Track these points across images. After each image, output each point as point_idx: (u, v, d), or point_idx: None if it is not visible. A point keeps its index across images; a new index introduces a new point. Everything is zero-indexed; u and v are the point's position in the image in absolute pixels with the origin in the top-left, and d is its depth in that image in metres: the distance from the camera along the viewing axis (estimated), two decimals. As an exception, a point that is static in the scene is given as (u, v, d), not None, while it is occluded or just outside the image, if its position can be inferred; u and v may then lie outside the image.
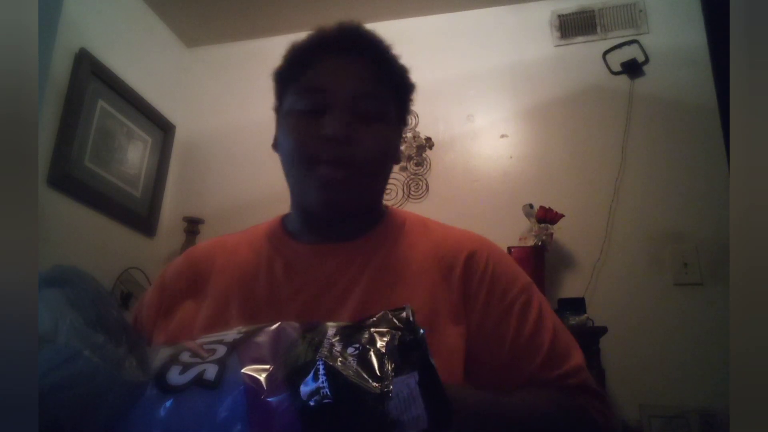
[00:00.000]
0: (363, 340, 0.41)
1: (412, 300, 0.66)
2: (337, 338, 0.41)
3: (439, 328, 0.67)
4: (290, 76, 0.80)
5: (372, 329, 0.43)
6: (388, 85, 0.77)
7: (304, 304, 0.69)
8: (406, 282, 0.71)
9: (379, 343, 0.41)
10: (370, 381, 0.37)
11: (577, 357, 0.70)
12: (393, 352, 0.40)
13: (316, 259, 0.75)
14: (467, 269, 0.72)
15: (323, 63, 0.76)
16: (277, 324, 0.43)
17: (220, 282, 0.76)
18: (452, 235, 0.79)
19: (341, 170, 0.70)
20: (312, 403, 0.34)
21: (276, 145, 0.84)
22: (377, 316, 0.46)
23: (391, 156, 0.79)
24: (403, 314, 0.45)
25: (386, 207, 0.84)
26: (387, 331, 0.43)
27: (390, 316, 0.45)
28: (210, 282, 0.77)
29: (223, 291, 0.75)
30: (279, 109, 0.84)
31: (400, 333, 0.43)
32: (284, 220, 0.85)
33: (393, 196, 2.25)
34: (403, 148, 2.31)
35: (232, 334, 0.41)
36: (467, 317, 0.70)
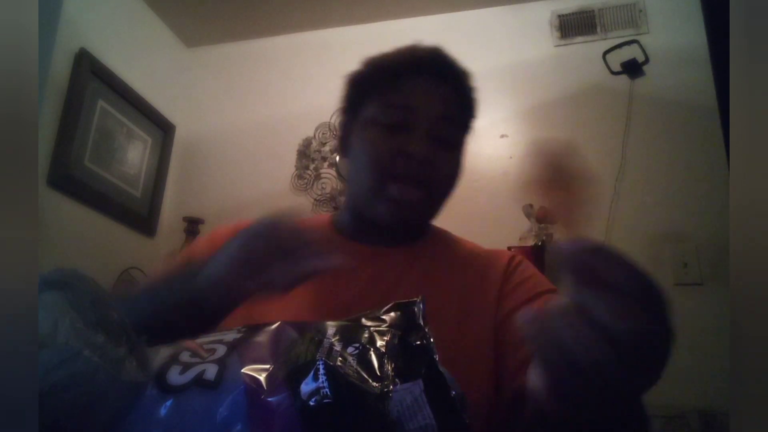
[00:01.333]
0: (363, 340, 0.41)
1: (450, 297, 0.73)
2: (337, 337, 0.41)
3: (469, 322, 0.71)
4: (374, 87, 0.81)
5: (372, 329, 0.43)
6: (467, 114, 0.82)
7: (353, 299, 0.71)
8: (449, 282, 0.76)
9: (379, 343, 0.41)
10: (370, 381, 0.37)
11: None
12: (393, 351, 0.40)
13: (371, 259, 0.78)
14: (507, 269, 0.77)
15: (414, 82, 0.78)
16: (277, 323, 0.43)
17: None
18: (485, 249, 0.85)
19: (417, 190, 0.74)
20: (312, 403, 0.34)
21: (343, 150, 0.86)
22: (387, 307, 0.46)
23: (459, 181, 0.82)
24: (414, 308, 0.45)
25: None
26: (387, 330, 0.43)
27: (398, 312, 0.45)
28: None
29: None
30: (350, 114, 0.85)
31: (400, 332, 0.43)
32: (333, 220, 0.88)
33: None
34: (403, 148, 2.31)
35: (231, 334, 0.41)
36: (499, 308, 0.73)
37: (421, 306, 0.45)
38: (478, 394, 0.66)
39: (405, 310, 0.45)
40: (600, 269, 0.34)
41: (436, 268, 0.78)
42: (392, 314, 0.45)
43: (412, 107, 0.76)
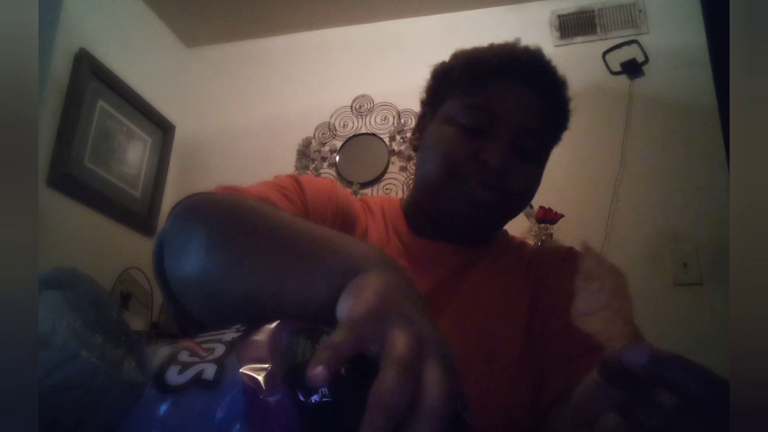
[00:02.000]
0: None
1: (517, 301, 0.73)
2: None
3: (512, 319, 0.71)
4: (461, 84, 0.75)
5: None
6: (554, 127, 0.77)
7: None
8: (515, 285, 0.75)
9: None
10: (370, 377, 0.37)
11: None
12: None
13: (437, 256, 0.76)
14: (560, 262, 0.77)
15: (502, 85, 0.73)
16: (276, 322, 0.43)
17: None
18: (551, 247, 0.84)
19: (489, 194, 0.70)
20: (311, 402, 0.34)
21: (416, 141, 0.81)
22: None
23: (533, 196, 0.79)
24: None
25: None
26: None
27: None
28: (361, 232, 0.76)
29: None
30: (430, 107, 0.81)
31: None
32: (402, 204, 0.84)
33: (393, 195, 2.25)
34: (403, 148, 2.31)
35: (230, 333, 0.41)
36: (541, 299, 0.72)
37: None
38: (523, 392, 0.66)
39: None
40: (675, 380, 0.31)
41: (503, 271, 0.77)
42: None
43: (497, 113, 0.71)
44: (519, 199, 0.75)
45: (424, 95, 0.83)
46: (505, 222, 0.81)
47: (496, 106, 0.71)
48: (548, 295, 0.73)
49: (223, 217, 0.48)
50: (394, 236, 0.79)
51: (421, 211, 0.79)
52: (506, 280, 0.76)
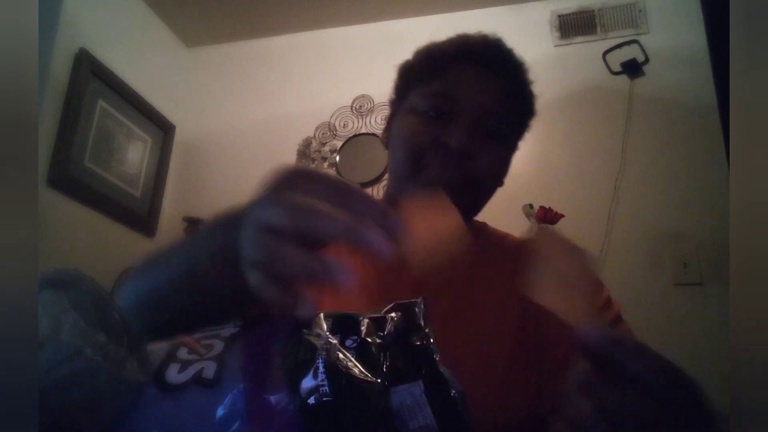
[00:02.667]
0: (361, 332, 0.41)
1: (505, 294, 0.70)
2: (334, 330, 0.41)
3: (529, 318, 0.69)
4: (421, 76, 0.77)
5: (368, 319, 0.43)
6: (517, 108, 0.77)
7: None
8: (500, 279, 0.73)
9: (378, 334, 0.41)
10: (370, 375, 0.37)
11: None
12: (391, 342, 0.40)
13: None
14: None
15: (459, 70, 0.74)
16: (274, 317, 0.43)
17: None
18: (526, 238, 0.83)
19: (456, 176, 0.69)
20: (311, 401, 0.34)
21: (386, 140, 0.82)
22: (387, 307, 0.45)
23: (501, 179, 0.79)
24: (415, 309, 0.44)
25: None
26: (383, 318, 0.43)
27: (398, 312, 0.44)
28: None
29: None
30: (396, 105, 0.81)
31: (397, 320, 0.42)
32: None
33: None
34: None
35: (228, 329, 0.41)
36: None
37: (422, 306, 0.45)
38: (518, 391, 0.66)
39: (406, 310, 0.45)
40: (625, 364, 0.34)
41: (485, 265, 0.75)
42: (393, 314, 0.44)
43: (455, 97, 0.72)
44: (485, 180, 0.74)
45: (392, 95, 0.84)
46: (476, 207, 0.79)
47: (454, 90, 0.72)
48: None
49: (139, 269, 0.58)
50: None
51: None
52: (492, 275, 0.75)
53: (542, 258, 0.48)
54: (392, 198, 0.79)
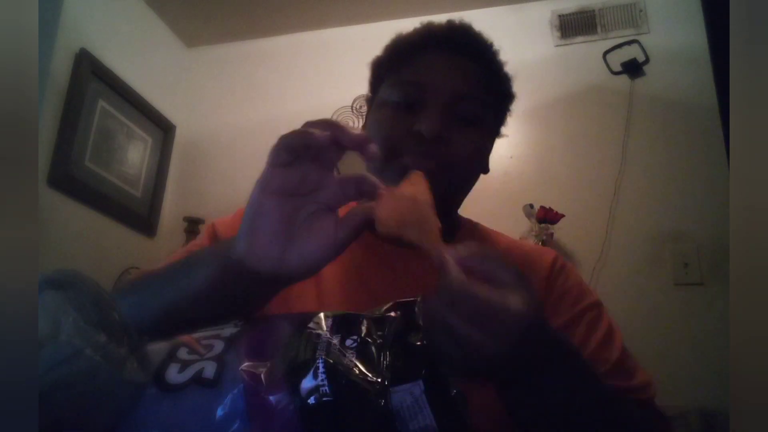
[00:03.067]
0: (361, 332, 0.41)
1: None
2: (334, 330, 0.41)
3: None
4: (389, 68, 0.76)
5: (368, 318, 0.43)
6: (491, 91, 0.75)
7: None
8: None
9: (378, 334, 0.41)
10: (370, 375, 0.37)
11: (644, 376, 0.66)
12: (391, 341, 0.40)
13: (397, 261, 0.72)
14: (550, 275, 0.72)
15: (426, 58, 0.73)
16: (274, 317, 0.43)
17: None
18: (527, 244, 0.81)
19: (432, 164, 0.67)
20: (311, 402, 0.34)
21: None
22: (386, 306, 0.45)
23: (481, 165, 0.76)
24: (415, 308, 0.44)
25: (458, 215, 0.83)
26: (383, 318, 0.43)
27: (397, 311, 0.44)
28: None
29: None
30: (371, 100, 0.80)
31: (397, 320, 0.42)
32: None
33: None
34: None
35: (228, 329, 0.41)
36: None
37: (422, 306, 0.45)
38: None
39: (405, 309, 0.45)
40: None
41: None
42: (392, 314, 0.44)
43: (423, 84, 0.70)
44: (463, 165, 0.71)
45: (367, 92, 0.83)
46: (458, 194, 0.76)
47: (422, 77, 0.71)
48: (545, 298, 0.70)
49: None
50: (354, 245, 0.75)
51: None
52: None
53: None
54: None
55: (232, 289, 0.45)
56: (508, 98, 0.80)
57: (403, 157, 0.68)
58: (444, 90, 0.70)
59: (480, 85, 0.73)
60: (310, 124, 0.44)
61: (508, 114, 0.81)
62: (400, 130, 0.69)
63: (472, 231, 0.81)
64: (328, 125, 0.44)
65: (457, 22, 0.77)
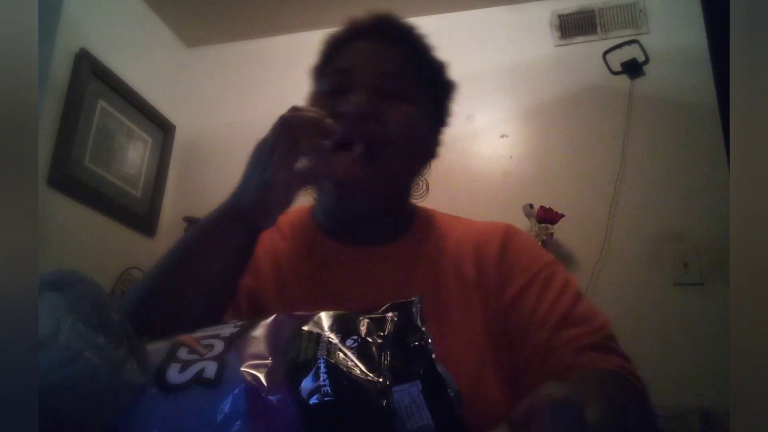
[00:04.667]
0: (362, 332, 0.41)
1: (452, 300, 0.69)
2: (335, 330, 0.41)
3: (473, 316, 0.68)
4: (322, 66, 0.79)
5: (368, 318, 0.43)
6: (419, 71, 0.75)
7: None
8: (447, 278, 0.71)
9: (378, 334, 0.41)
10: (372, 375, 0.37)
11: (599, 320, 0.66)
12: (392, 341, 0.40)
13: (356, 261, 0.73)
14: (502, 245, 0.73)
15: (353, 47, 0.75)
16: (273, 316, 0.43)
17: (266, 263, 0.73)
18: (481, 223, 0.81)
19: (362, 142, 0.66)
20: (313, 402, 0.34)
21: None
22: (384, 307, 0.45)
23: (420, 142, 0.74)
24: (412, 309, 0.44)
25: (413, 204, 0.82)
26: (383, 318, 0.43)
27: (395, 312, 0.44)
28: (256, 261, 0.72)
29: (273, 274, 0.72)
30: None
31: (396, 320, 0.43)
32: (313, 212, 0.81)
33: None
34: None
35: (228, 329, 0.41)
36: (499, 292, 0.69)
37: (419, 306, 0.45)
38: (490, 389, 0.64)
39: (402, 310, 0.45)
40: None
41: (428, 263, 0.73)
42: (389, 314, 0.45)
43: (349, 70, 0.72)
44: (397, 140, 0.69)
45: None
46: (395, 173, 0.73)
47: (350, 63, 0.73)
48: (498, 273, 0.71)
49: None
50: (303, 249, 0.75)
51: (323, 207, 0.77)
52: (431, 266, 0.72)
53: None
54: (319, 201, 0.79)
55: (225, 236, 0.61)
56: (444, 85, 0.80)
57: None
58: (369, 71, 0.71)
59: (407, 66, 0.74)
60: (298, 109, 0.61)
61: (448, 102, 0.81)
62: (331, 115, 0.68)
63: (429, 222, 0.79)
64: (303, 110, 0.61)
65: (380, 13, 0.78)
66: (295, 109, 0.61)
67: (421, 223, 0.79)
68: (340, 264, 0.74)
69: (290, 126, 0.59)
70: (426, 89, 0.75)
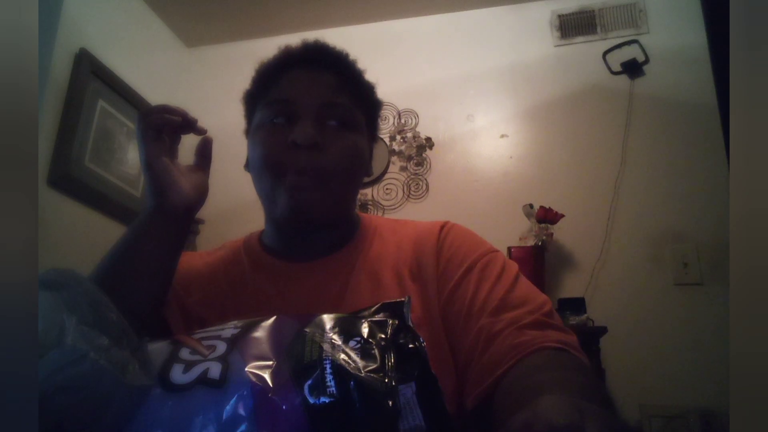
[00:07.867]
0: (363, 333, 0.41)
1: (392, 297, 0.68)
2: (336, 331, 0.41)
3: (414, 314, 0.68)
4: (258, 94, 0.83)
5: (369, 320, 0.43)
6: (355, 96, 0.79)
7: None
8: (386, 283, 0.73)
9: (380, 335, 0.41)
10: (377, 376, 0.37)
11: (538, 300, 0.66)
12: (391, 348, 0.40)
13: (297, 274, 0.76)
14: (439, 241, 0.75)
15: (289, 76, 0.78)
16: (273, 318, 0.43)
17: (206, 285, 0.77)
18: (422, 223, 0.82)
19: (310, 178, 0.71)
20: (319, 403, 0.34)
21: (247, 165, 0.85)
22: (375, 307, 0.46)
23: (361, 165, 0.79)
24: (403, 309, 0.45)
25: (359, 215, 0.85)
26: (384, 320, 0.43)
27: (386, 312, 0.45)
28: (192, 284, 0.78)
29: (212, 294, 0.76)
30: (248, 130, 0.86)
31: (397, 322, 0.43)
32: (262, 236, 0.85)
33: (393, 196, 2.25)
34: (403, 148, 2.32)
35: (229, 329, 0.41)
36: (439, 287, 0.71)
37: (409, 307, 0.45)
38: (449, 388, 0.65)
39: (393, 311, 0.45)
40: None
41: (367, 268, 0.75)
42: (381, 315, 0.45)
43: (291, 99, 0.75)
44: (340, 171, 0.73)
45: (245, 126, 0.88)
46: (343, 197, 0.77)
47: (291, 93, 0.76)
48: (437, 269, 0.72)
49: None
50: (248, 267, 0.79)
51: (273, 230, 0.81)
52: (370, 272, 0.74)
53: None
54: (272, 220, 0.81)
55: (152, 233, 0.71)
56: (374, 105, 0.84)
57: (287, 176, 0.72)
58: (311, 100, 0.75)
59: (344, 93, 0.77)
60: (165, 110, 0.74)
61: (379, 120, 0.86)
62: (278, 145, 0.73)
63: (371, 231, 0.82)
64: (173, 109, 0.75)
65: (311, 41, 0.82)
66: (149, 111, 0.73)
67: (364, 232, 0.82)
68: (281, 278, 0.76)
69: (145, 121, 0.71)
70: (361, 113, 0.80)
